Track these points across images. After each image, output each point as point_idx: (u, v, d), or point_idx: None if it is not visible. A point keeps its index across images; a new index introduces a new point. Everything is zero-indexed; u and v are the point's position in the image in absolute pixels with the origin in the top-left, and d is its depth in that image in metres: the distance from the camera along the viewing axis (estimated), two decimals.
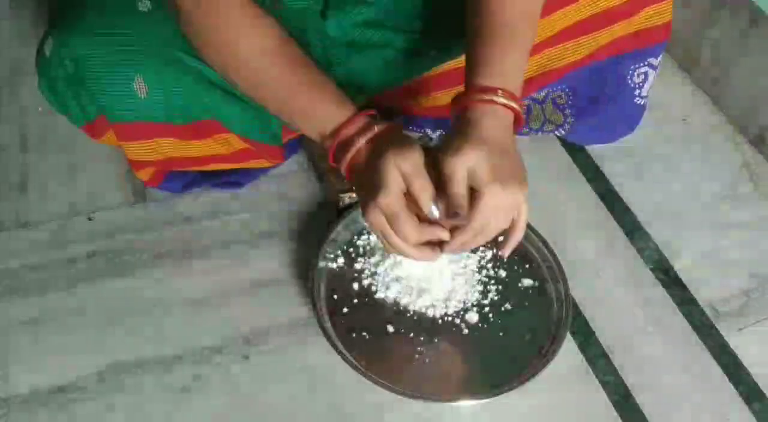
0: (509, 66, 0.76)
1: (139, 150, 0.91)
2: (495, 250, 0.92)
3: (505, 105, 0.73)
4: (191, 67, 0.86)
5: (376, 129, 0.74)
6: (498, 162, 0.70)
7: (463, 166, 0.70)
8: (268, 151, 0.96)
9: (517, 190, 0.71)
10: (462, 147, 0.70)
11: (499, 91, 0.73)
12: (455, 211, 0.70)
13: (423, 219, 0.73)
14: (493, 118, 0.73)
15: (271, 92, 0.79)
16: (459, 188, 0.70)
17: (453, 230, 0.74)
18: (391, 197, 0.70)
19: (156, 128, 0.89)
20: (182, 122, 0.89)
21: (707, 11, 1.17)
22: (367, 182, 0.72)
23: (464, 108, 0.74)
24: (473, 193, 0.71)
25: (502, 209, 0.72)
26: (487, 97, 0.73)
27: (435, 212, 0.72)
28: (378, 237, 0.75)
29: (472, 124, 0.72)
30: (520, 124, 0.76)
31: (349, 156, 0.74)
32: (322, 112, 0.76)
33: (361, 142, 0.73)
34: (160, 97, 0.86)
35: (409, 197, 0.72)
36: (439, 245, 0.75)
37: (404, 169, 0.70)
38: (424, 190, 0.71)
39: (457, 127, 0.74)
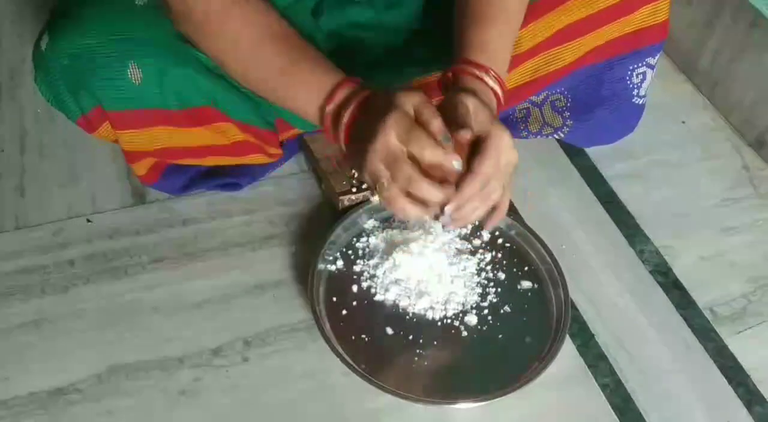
0: (499, 48, 0.79)
1: (134, 139, 0.91)
2: (494, 252, 0.93)
3: (492, 87, 0.77)
4: (187, 54, 0.86)
5: (370, 91, 0.75)
6: (494, 114, 0.74)
7: (469, 101, 0.72)
8: (265, 138, 0.96)
9: (515, 146, 0.73)
10: (466, 95, 0.73)
11: (491, 72, 0.77)
12: (464, 129, 0.71)
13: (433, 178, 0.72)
14: (483, 92, 0.76)
15: (266, 76, 0.80)
16: (467, 114, 0.72)
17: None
18: (401, 114, 0.70)
19: (151, 115, 0.89)
20: (178, 108, 0.89)
21: (707, 14, 1.17)
22: (371, 119, 0.71)
23: (456, 76, 0.77)
24: (476, 143, 0.72)
25: (505, 157, 0.72)
26: (479, 73, 0.76)
27: (446, 140, 0.70)
28: (377, 174, 0.71)
29: (465, 89, 0.75)
30: (499, 109, 0.79)
31: (345, 118, 0.75)
32: (311, 85, 0.77)
33: (354, 102, 0.74)
34: (155, 83, 0.86)
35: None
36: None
37: (412, 98, 0.71)
38: (435, 115, 0.71)
39: (454, 89, 0.77)
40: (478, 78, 0.77)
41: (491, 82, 0.77)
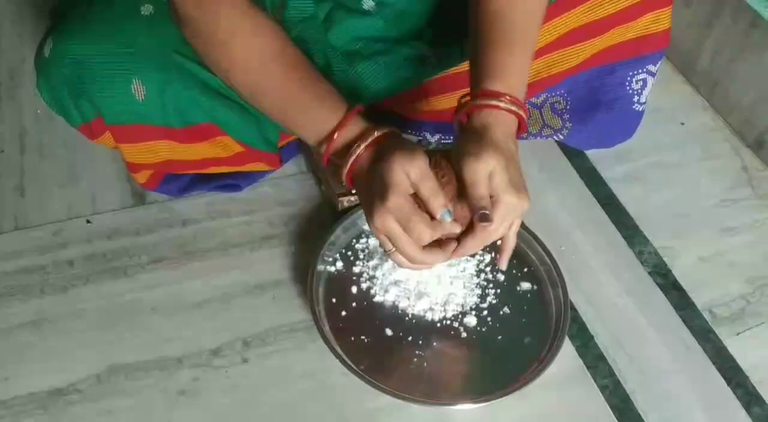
0: (515, 71, 0.76)
1: (136, 152, 0.91)
2: (493, 254, 0.93)
3: (510, 111, 0.74)
4: (190, 72, 0.86)
5: (376, 134, 0.73)
6: (510, 169, 0.71)
7: (485, 170, 0.70)
8: (264, 156, 0.96)
9: (526, 198, 0.72)
10: (481, 153, 0.70)
11: (507, 97, 0.73)
12: (483, 213, 0.69)
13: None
14: (501, 124, 0.73)
15: (270, 97, 0.78)
16: (483, 190, 0.70)
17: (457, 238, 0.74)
18: (401, 197, 0.70)
19: (153, 131, 0.89)
20: (180, 126, 0.89)
21: (706, 15, 1.17)
22: (373, 186, 0.71)
23: (471, 112, 0.74)
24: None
25: (512, 215, 0.72)
26: (494, 102, 0.73)
27: (447, 217, 0.71)
28: (383, 243, 0.73)
29: (483, 129, 0.73)
30: (523, 130, 0.76)
31: (349, 163, 0.74)
32: (315, 116, 0.76)
33: (362, 147, 0.73)
34: (157, 100, 0.86)
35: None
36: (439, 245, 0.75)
37: (411, 173, 0.69)
38: (434, 193, 0.70)
39: (468, 131, 0.74)
40: (495, 108, 0.74)
41: (509, 106, 0.74)
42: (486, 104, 0.73)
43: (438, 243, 0.74)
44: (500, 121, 0.73)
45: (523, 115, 0.75)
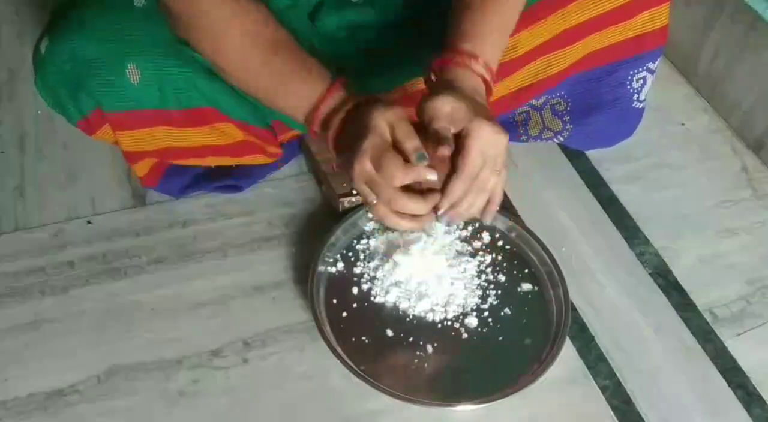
0: (491, 40, 0.78)
1: (134, 140, 0.91)
2: (494, 254, 0.93)
3: (481, 74, 0.76)
4: (185, 54, 0.86)
5: (356, 100, 0.75)
6: (478, 107, 0.72)
7: (444, 105, 0.71)
8: (265, 138, 0.96)
9: (501, 129, 0.72)
10: (441, 92, 0.72)
11: (480, 59, 0.76)
12: (443, 145, 0.70)
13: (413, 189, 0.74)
14: (469, 80, 0.75)
15: (255, 77, 0.80)
16: (442, 122, 0.71)
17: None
18: (376, 140, 0.71)
19: (150, 115, 0.89)
20: (177, 108, 0.89)
21: (706, 16, 1.17)
22: (352, 136, 0.73)
23: (442, 65, 0.76)
24: (459, 141, 0.72)
25: (491, 147, 0.72)
26: (467, 60, 0.75)
27: (422, 160, 0.71)
28: (364, 194, 0.74)
29: (449, 82, 0.75)
30: (490, 94, 0.78)
31: (333, 128, 0.75)
32: (300, 90, 0.78)
33: (344, 111, 0.75)
34: (153, 84, 0.86)
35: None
36: (433, 210, 0.75)
37: (388, 118, 0.71)
38: (408, 135, 0.71)
39: (434, 84, 0.76)
40: (464, 65, 0.76)
41: (479, 68, 0.76)
42: (460, 60, 0.76)
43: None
44: (468, 77, 0.75)
45: (489, 79, 0.77)
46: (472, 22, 0.79)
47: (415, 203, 0.73)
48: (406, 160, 0.72)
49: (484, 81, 0.78)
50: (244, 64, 0.80)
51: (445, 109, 0.71)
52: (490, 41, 0.79)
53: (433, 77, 0.80)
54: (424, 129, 0.74)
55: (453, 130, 0.72)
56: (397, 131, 0.71)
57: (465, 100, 0.72)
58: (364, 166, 0.71)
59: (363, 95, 0.77)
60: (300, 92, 0.78)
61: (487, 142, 0.71)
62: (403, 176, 0.71)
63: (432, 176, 0.73)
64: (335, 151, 0.78)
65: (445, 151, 0.71)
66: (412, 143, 0.71)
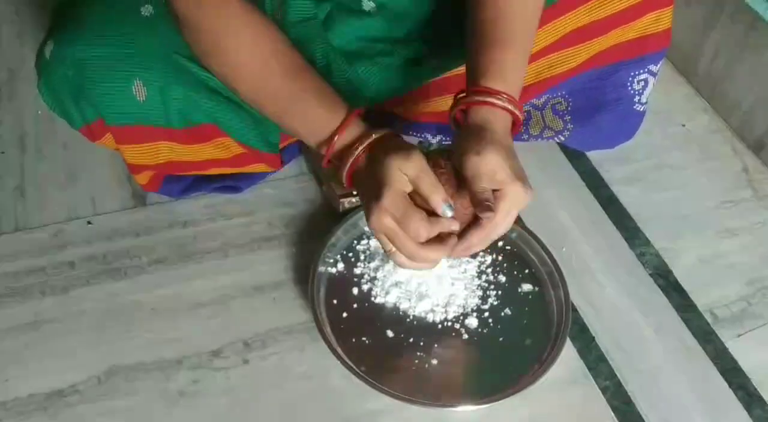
0: (512, 70, 0.77)
1: (137, 154, 0.91)
2: (494, 255, 0.93)
3: (507, 109, 0.74)
4: (191, 72, 0.86)
5: (374, 136, 0.74)
6: (512, 163, 0.72)
7: (487, 166, 0.70)
8: (265, 157, 0.96)
9: (530, 189, 0.72)
10: (483, 149, 0.71)
11: (503, 95, 0.74)
12: (487, 205, 0.70)
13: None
14: (500, 121, 0.74)
15: (269, 99, 0.79)
16: (486, 183, 0.71)
17: (459, 236, 0.74)
18: (397, 194, 0.70)
19: (154, 132, 0.89)
20: (180, 126, 0.89)
21: (706, 16, 1.17)
22: (370, 186, 0.72)
23: (468, 108, 0.75)
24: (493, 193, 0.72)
25: (517, 208, 0.72)
26: (491, 99, 0.74)
27: (448, 212, 0.71)
28: (382, 243, 0.73)
29: (482, 125, 0.73)
30: (517, 130, 0.77)
31: (348, 164, 0.74)
32: (315, 118, 0.76)
33: (360, 150, 0.73)
34: (158, 101, 0.86)
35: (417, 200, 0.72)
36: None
37: (409, 171, 0.70)
38: (434, 188, 0.70)
39: (467, 128, 0.74)
40: (492, 105, 0.74)
41: (505, 104, 0.74)
42: (484, 101, 0.74)
43: (438, 241, 0.73)
44: (498, 117, 0.74)
45: (518, 114, 0.75)
46: (495, 58, 0.77)
47: (435, 253, 0.72)
48: (428, 212, 0.72)
49: (512, 114, 0.76)
50: (260, 86, 0.78)
51: (488, 168, 0.71)
52: (513, 74, 0.77)
53: (458, 115, 0.78)
54: (438, 166, 0.73)
55: (489, 187, 0.72)
56: (422, 185, 0.70)
57: (508, 162, 0.71)
58: (384, 221, 0.70)
59: (379, 130, 0.75)
60: (316, 120, 0.76)
61: (516, 202, 0.72)
62: (428, 233, 0.71)
63: (455, 227, 0.73)
64: (349, 186, 0.77)
65: (488, 216, 0.70)
66: (438, 196, 0.70)
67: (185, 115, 0.88)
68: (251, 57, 0.77)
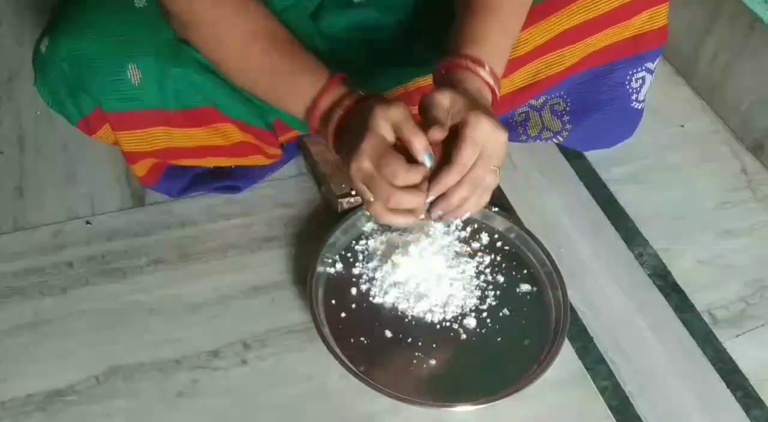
0: (497, 46, 0.79)
1: (134, 140, 0.91)
2: (493, 255, 0.93)
3: (487, 81, 0.76)
4: (186, 54, 0.86)
5: (357, 94, 0.75)
6: (478, 103, 0.72)
7: (444, 97, 0.71)
8: (265, 138, 0.96)
9: (500, 125, 0.71)
10: (442, 88, 0.72)
11: (486, 66, 0.76)
12: (435, 128, 0.70)
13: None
14: (476, 83, 0.75)
15: (256, 74, 0.80)
16: (441, 114, 0.71)
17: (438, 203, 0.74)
18: (377, 139, 0.70)
19: (151, 116, 0.89)
20: (177, 108, 0.89)
21: (705, 18, 1.17)
22: (353, 137, 0.72)
23: (448, 68, 0.76)
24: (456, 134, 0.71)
25: (488, 141, 0.71)
26: (473, 66, 0.75)
27: (428, 161, 0.71)
28: (361, 192, 0.73)
29: (455, 82, 0.75)
30: (495, 106, 0.78)
31: (333, 122, 0.75)
32: (300, 88, 0.78)
33: (343, 106, 0.75)
34: (154, 84, 0.87)
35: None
36: (427, 212, 0.75)
37: (392, 117, 0.70)
38: (416, 134, 0.70)
39: (439, 84, 0.76)
40: (468, 70, 0.76)
41: (484, 74, 0.76)
42: (466, 65, 0.76)
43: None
44: (474, 81, 0.76)
45: (496, 90, 0.77)
46: (478, 29, 0.79)
47: (411, 195, 0.71)
48: (408, 160, 0.72)
49: (490, 88, 0.77)
50: (244, 63, 0.81)
51: (444, 102, 0.71)
52: (495, 48, 0.79)
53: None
54: (426, 128, 0.73)
55: (450, 122, 0.72)
56: (404, 130, 0.70)
57: (466, 95, 0.72)
58: (362, 164, 0.71)
59: (363, 91, 0.77)
60: (299, 88, 0.78)
61: (484, 134, 0.70)
62: (405, 175, 0.70)
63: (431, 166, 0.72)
64: (335, 148, 0.78)
65: (437, 134, 0.70)
66: (420, 141, 0.70)
67: (182, 96, 0.88)
68: (234, 34, 0.79)
